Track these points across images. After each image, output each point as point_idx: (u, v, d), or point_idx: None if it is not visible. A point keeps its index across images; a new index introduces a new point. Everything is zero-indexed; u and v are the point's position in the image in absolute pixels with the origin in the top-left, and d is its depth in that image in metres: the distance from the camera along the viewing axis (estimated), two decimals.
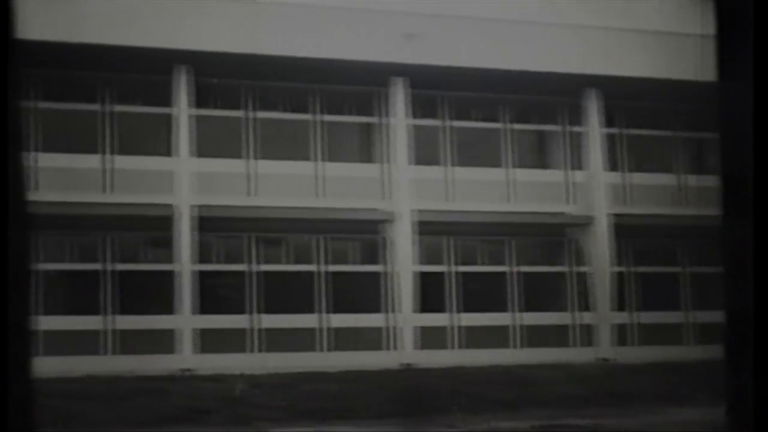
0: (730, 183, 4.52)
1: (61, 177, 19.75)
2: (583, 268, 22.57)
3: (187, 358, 19.34)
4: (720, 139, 4.80)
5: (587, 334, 22.16)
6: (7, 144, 3.74)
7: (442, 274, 21.97)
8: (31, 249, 3.96)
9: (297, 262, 21.33)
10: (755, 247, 4.09)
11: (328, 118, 21.69)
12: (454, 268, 22.05)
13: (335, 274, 21.37)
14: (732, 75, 4.48)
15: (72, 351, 19.33)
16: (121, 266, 20.27)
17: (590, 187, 22.39)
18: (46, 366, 18.05)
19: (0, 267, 3.64)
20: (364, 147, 22.13)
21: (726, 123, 4.66)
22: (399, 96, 21.27)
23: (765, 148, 4.24)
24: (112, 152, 20.29)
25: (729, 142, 4.63)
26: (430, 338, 21.20)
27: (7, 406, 3.64)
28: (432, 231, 21.35)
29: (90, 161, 20.13)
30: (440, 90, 21.99)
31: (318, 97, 21.64)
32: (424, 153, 21.87)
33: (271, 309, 20.78)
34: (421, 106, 21.83)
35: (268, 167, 21.02)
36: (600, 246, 22.03)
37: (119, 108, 20.52)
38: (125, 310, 20.03)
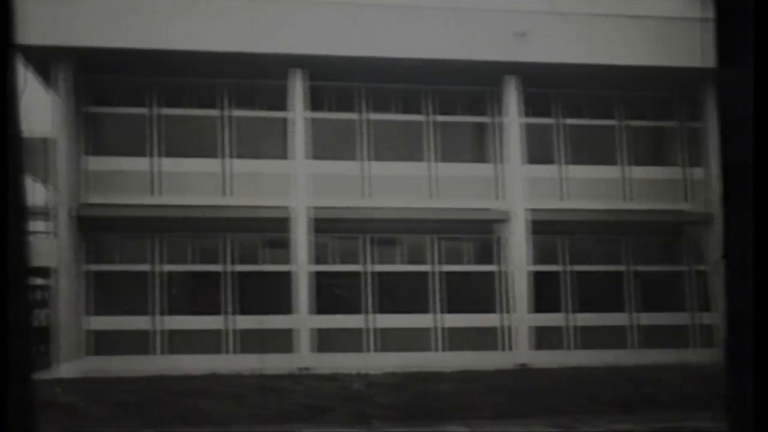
0: (731, 175, 4.33)
1: (182, 181, 20.44)
2: (701, 267, 22.02)
3: (305, 357, 19.73)
4: (719, 128, 4.62)
5: (707, 335, 21.60)
6: (6, 144, 3.73)
7: (556, 273, 21.78)
8: (30, 249, 3.95)
9: (411, 262, 21.47)
10: (755, 241, 3.94)
11: (440, 118, 21.76)
12: (568, 268, 21.83)
13: (449, 274, 21.44)
14: (732, 61, 4.29)
15: (195, 350, 20.00)
16: (240, 267, 20.82)
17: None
18: (171, 364, 18.88)
19: (0, 267, 3.62)
20: (478, 147, 22.11)
21: (726, 111, 4.47)
22: (512, 94, 21.18)
23: (766, 137, 4.07)
24: (231, 156, 20.84)
25: (729, 131, 4.45)
26: (545, 338, 21.05)
27: (7, 406, 3.64)
28: (546, 230, 21.19)
29: (210, 165, 20.72)
30: (553, 88, 21.80)
31: (431, 97, 21.74)
32: (538, 151, 21.70)
33: (385, 309, 21.00)
34: (533, 105, 21.67)
35: (381, 168, 21.24)
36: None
37: (237, 113, 21.06)
38: (244, 310, 20.58)
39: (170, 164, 20.59)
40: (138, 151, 20.63)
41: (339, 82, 21.19)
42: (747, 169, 4.11)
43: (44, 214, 26.97)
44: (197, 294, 20.96)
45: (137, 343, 20.22)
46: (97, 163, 20.48)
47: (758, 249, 3.93)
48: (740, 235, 4.16)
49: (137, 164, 20.57)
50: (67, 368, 18.77)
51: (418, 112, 21.71)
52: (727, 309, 4.27)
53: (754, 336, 3.81)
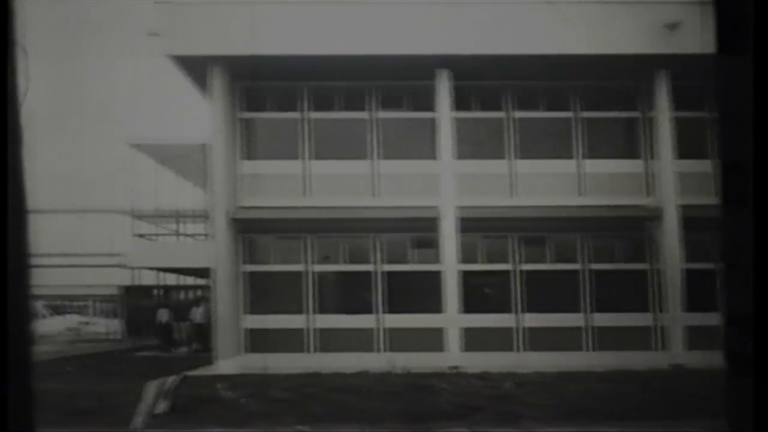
0: (730, 169, 4.00)
1: (332, 183, 20.92)
2: None
3: (454, 356, 19.85)
4: (718, 120, 4.37)
5: None
6: (6, 144, 3.70)
7: (711, 271, 21.11)
8: (31, 249, 3.91)
9: (560, 261, 21.27)
10: (756, 239, 3.76)
11: (589, 114, 21.46)
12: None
13: (599, 272, 21.12)
14: (732, 48, 4.02)
15: (347, 347, 20.45)
16: (389, 267, 21.15)
17: None
18: (324, 361, 19.31)
19: (0, 267, 3.62)
20: (628, 143, 21.69)
21: (725, 101, 4.27)
22: (662, 89, 20.66)
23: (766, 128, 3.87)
24: (379, 157, 21.17)
25: (728, 122, 4.24)
26: (699, 338, 20.44)
27: (7, 406, 3.61)
28: (698, 227, 20.55)
29: (358, 167, 21.11)
30: (702, 80, 21.13)
31: (578, 94, 21.46)
32: (686, 146, 21.09)
33: (534, 308, 20.89)
34: (681, 98, 21.07)
35: (528, 167, 21.12)
36: None
37: (384, 114, 21.38)
38: (394, 309, 20.89)
39: (320, 166, 21.12)
40: (290, 155, 21.24)
41: (484, 81, 21.20)
42: (747, 163, 3.98)
43: (203, 217, 28.11)
44: (348, 293, 21.41)
45: (291, 340, 20.84)
46: (251, 167, 21.21)
47: (758, 249, 3.80)
48: (740, 234, 4.04)
49: (289, 167, 21.18)
50: (226, 365, 19.53)
51: (566, 108, 21.47)
52: (727, 309, 4.17)
53: (755, 336, 3.72)
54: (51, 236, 45.20)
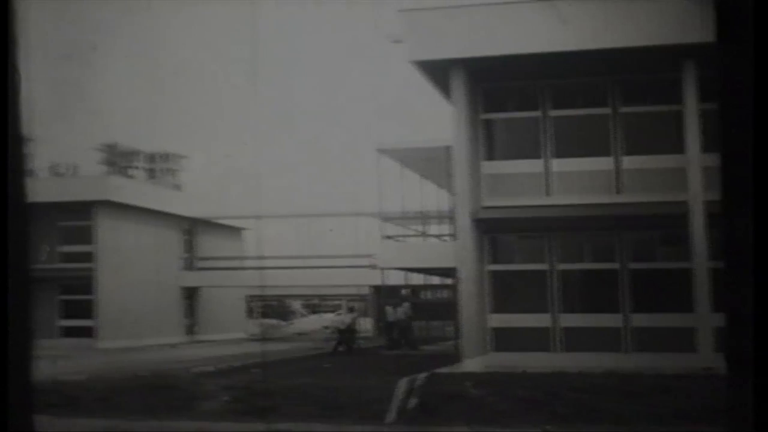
0: (732, 164, 3.89)
1: (573, 180, 20.74)
2: None
3: (708, 357, 19.06)
4: (720, 112, 3.99)
5: None
6: (7, 144, 3.68)
7: None
8: (31, 249, 3.93)
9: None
10: (756, 239, 3.61)
11: None
12: None
13: None
14: (733, 37, 3.82)
15: (593, 347, 20.21)
16: (635, 265, 20.67)
17: None
18: (569, 361, 19.17)
19: (0, 267, 3.62)
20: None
21: (727, 93, 3.94)
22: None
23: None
24: (622, 153, 20.75)
25: (730, 115, 3.91)
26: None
27: (7, 405, 3.62)
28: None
29: (600, 163, 20.79)
30: None
31: None
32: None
33: None
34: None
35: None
36: None
37: (627, 109, 20.92)
38: (641, 308, 20.40)
39: (562, 165, 20.99)
40: (531, 154, 21.27)
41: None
42: (748, 156, 3.71)
43: (447, 218, 28.70)
44: (593, 292, 21.15)
45: (536, 339, 20.87)
46: (493, 167, 21.43)
47: (758, 249, 3.65)
48: (741, 230, 3.78)
49: (531, 166, 21.21)
50: (472, 363, 19.87)
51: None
52: (727, 309, 3.91)
53: (755, 336, 3.61)
54: (307, 239, 47.63)
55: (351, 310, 36.70)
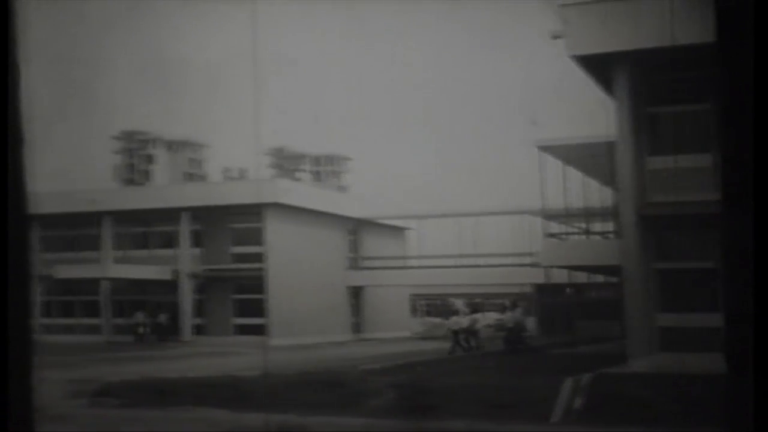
0: (731, 164, 3.73)
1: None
2: None
3: None
4: (720, 112, 3.80)
5: None
6: (7, 144, 3.65)
7: None
8: (32, 249, 3.86)
9: None
10: (756, 239, 3.56)
11: None
12: None
13: None
14: (733, 37, 3.69)
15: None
16: None
17: None
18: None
19: (0, 267, 3.60)
20: None
21: (727, 93, 3.77)
22: None
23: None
24: None
25: (730, 115, 3.74)
26: None
27: (8, 405, 3.60)
28: None
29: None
30: None
31: None
32: None
33: None
34: None
35: None
36: None
37: None
38: None
39: (656, 162, 20.32)
40: (698, 148, 20.64)
41: None
42: (748, 156, 3.60)
43: (611, 215, 28.20)
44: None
45: (706, 340, 20.22)
46: (659, 163, 20.92)
47: (758, 249, 3.60)
48: (741, 231, 3.64)
49: (698, 161, 20.58)
50: (639, 363, 19.48)
51: None
52: (727, 309, 3.72)
53: (755, 336, 3.60)
54: (469, 238, 47.78)
55: (515, 306, 36.65)
